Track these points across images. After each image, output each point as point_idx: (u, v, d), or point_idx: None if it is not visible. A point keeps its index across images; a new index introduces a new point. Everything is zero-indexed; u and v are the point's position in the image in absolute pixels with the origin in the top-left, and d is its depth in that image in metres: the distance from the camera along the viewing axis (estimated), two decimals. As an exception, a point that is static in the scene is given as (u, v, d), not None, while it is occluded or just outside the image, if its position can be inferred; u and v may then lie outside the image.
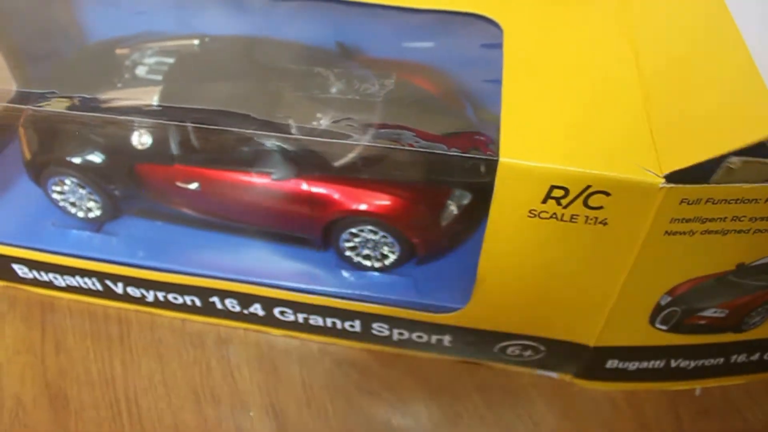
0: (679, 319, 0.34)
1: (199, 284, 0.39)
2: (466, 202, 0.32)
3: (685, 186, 0.27)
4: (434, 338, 0.38)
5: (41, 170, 0.41)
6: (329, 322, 0.39)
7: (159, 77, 0.36)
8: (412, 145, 0.30)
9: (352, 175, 0.36)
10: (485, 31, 0.34)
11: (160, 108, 0.34)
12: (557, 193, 0.28)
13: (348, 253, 0.40)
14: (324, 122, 0.31)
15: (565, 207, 0.28)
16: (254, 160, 0.37)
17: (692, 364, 0.37)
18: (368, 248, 0.39)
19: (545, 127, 0.29)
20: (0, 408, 0.38)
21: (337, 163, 0.36)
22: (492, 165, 0.28)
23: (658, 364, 0.38)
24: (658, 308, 0.34)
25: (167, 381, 0.39)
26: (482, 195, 0.29)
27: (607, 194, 0.28)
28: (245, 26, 0.40)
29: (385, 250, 0.39)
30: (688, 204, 0.28)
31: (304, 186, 0.37)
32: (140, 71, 0.37)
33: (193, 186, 0.39)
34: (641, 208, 0.28)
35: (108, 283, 0.41)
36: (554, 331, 0.36)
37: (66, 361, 0.40)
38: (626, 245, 0.30)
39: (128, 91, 0.36)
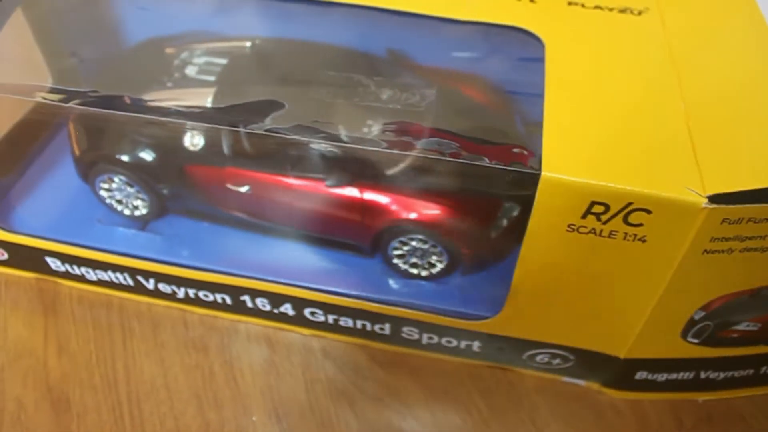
0: (711, 332, 0.34)
1: (230, 282, 0.39)
2: (515, 215, 0.32)
3: (728, 207, 0.27)
4: (464, 343, 0.38)
5: (90, 167, 0.41)
6: (359, 324, 0.39)
7: (210, 78, 0.36)
8: (456, 156, 0.30)
9: (404, 184, 0.37)
10: (527, 44, 0.34)
11: (215, 111, 0.34)
12: (598, 209, 0.28)
13: (396, 261, 0.40)
14: (375, 130, 0.31)
15: (604, 223, 0.28)
16: (307, 165, 0.37)
17: (722, 375, 0.37)
18: (416, 257, 0.39)
19: (587, 142, 0.29)
20: (1, 411, 0.38)
21: (390, 172, 0.36)
22: (534, 179, 0.28)
23: (687, 375, 0.37)
24: (691, 322, 0.34)
25: (169, 385, 0.39)
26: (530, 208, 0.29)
27: (648, 212, 0.27)
28: (282, 32, 0.40)
29: (433, 259, 0.39)
30: (729, 224, 0.27)
31: (357, 193, 0.38)
32: (190, 71, 0.37)
33: (244, 189, 0.39)
34: (682, 227, 0.28)
35: (140, 278, 0.41)
36: (585, 342, 0.36)
37: (68, 364, 0.40)
38: (664, 263, 0.29)
39: (180, 91, 0.36)
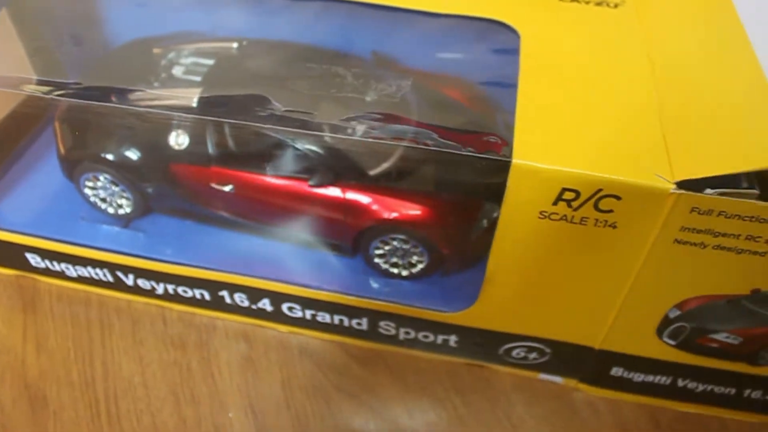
0: (688, 336, 0.34)
1: (209, 277, 0.39)
2: (496, 215, 0.32)
3: (696, 194, 0.27)
4: (440, 338, 0.38)
5: (75, 165, 0.42)
6: (336, 319, 0.39)
7: (196, 78, 0.37)
8: (427, 144, 0.30)
9: (387, 184, 0.37)
10: (504, 36, 0.35)
11: (199, 109, 0.35)
12: (568, 195, 0.28)
13: (377, 260, 0.40)
14: (359, 129, 0.31)
15: (575, 209, 0.29)
16: (291, 165, 0.38)
17: (700, 387, 0.37)
18: (397, 256, 0.39)
19: (559, 130, 0.29)
20: (-22, 409, 0.38)
21: (373, 172, 0.37)
22: (505, 166, 0.28)
23: (664, 380, 0.37)
24: (667, 321, 0.34)
25: (147, 382, 0.39)
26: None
27: (618, 198, 0.28)
28: (263, 27, 0.41)
29: (414, 259, 0.39)
30: (699, 213, 0.28)
31: (339, 193, 0.38)
32: (177, 71, 0.38)
33: (228, 188, 0.40)
34: (651, 214, 0.28)
35: (119, 274, 0.41)
36: (560, 332, 0.36)
37: (47, 362, 0.40)
38: (635, 250, 0.30)
39: (166, 91, 0.36)
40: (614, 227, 0.29)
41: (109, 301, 0.43)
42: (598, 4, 0.37)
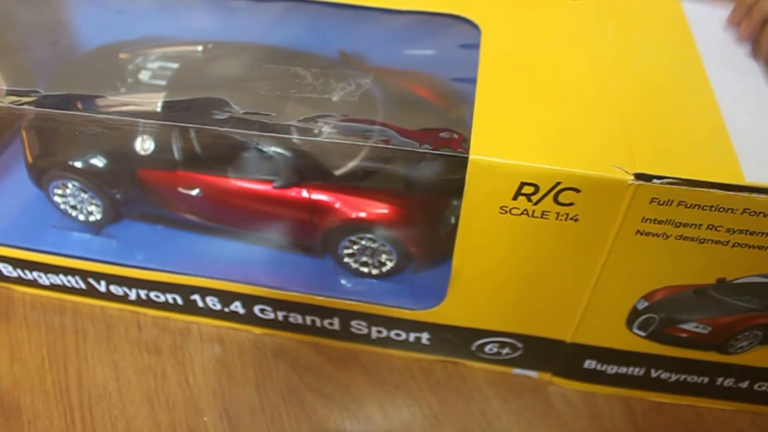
0: (657, 327, 0.35)
1: (180, 282, 0.39)
2: None
3: (654, 184, 0.27)
4: (413, 336, 0.38)
5: (43, 174, 0.42)
6: (308, 320, 0.39)
7: (162, 82, 0.37)
8: (386, 143, 0.30)
9: (352, 184, 0.37)
10: (470, 31, 0.35)
11: (164, 114, 0.35)
12: (527, 189, 0.28)
13: (346, 259, 0.40)
14: (325, 129, 0.31)
15: (535, 203, 0.29)
16: (256, 167, 0.38)
17: (673, 377, 0.37)
18: (366, 255, 0.39)
19: (518, 125, 0.29)
20: (-50, 419, 0.38)
21: (338, 172, 0.37)
22: (463, 162, 0.28)
23: (637, 371, 0.38)
24: (635, 312, 0.34)
25: (122, 388, 0.39)
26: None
27: (578, 191, 0.28)
28: (230, 29, 0.41)
29: (383, 257, 0.39)
30: (659, 204, 0.28)
31: (305, 194, 0.38)
32: (144, 76, 0.38)
33: (195, 192, 0.40)
34: (611, 205, 0.28)
35: (91, 281, 0.41)
36: (530, 327, 0.36)
37: (20, 371, 0.40)
38: (598, 242, 0.30)
39: (133, 96, 0.36)
40: (576, 220, 0.29)
41: (83, 308, 0.43)
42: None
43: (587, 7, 0.36)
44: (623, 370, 0.38)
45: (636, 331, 0.35)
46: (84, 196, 0.42)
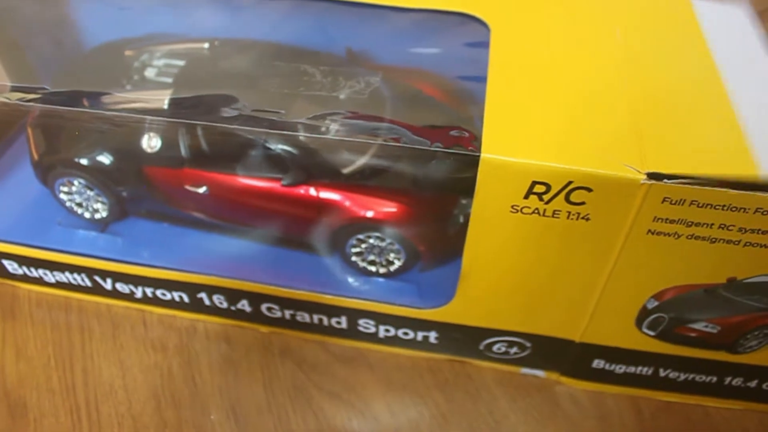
0: (667, 326, 0.34)
1: (186, 279, 0.39)
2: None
3: (666, 184, 0.27)
4: (420, 335, 0.38)
5: (49, 171, 0.41)
6: (316, 318, 0.39)
7: (168, 80, 0.37)
8: (397, 140, 0.30)
9: (360, 182, 0.37)
10: (478, 29, 0.34)
11: (171, 111, 0.34)
12: (539, 188, 0.28)
13: (354, 258, 0.40)
14: (333, 127, 0.31)
15: (547, 203, 0.28)
16: (264, 165, 0.38)
17: (682, 376, 0.37)
18: (374, 254, 0.39)
19: (529, 124, 0.29)
20: (-44, 417, 0.38)
21: (346, 170, 0.36)
22: (474, 161, 0.28)
23: (646, 370, 0.37)
24: (645, 311, 0.34)
25: (128, 386, 0.39)
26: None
27: (589, 190, 0.28)
28: (236, 26, 0.41)
29: (391, 256, 0.39)
30: (671, 204, 0.28)
31: (313, 192, 0.38)
32: (149, 73, 0.37)
33: (202, 189, 0.39)
34: (623, 205, 0.28)
35: (97, 279, 0.41)
36: (539, 327, 0.36)
37: (26, 369, 0.40)
38: (609, 241, 0.30)
39: (138, 93, 0.36)
40: (587, 219, 0.29)
41: (88, 305, 0.43)
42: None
43: (597, 5, 0.36)
44: (632, 369, 0.37)
45: (645, 330, 0.35)
46: (90, 193, 0.42)
